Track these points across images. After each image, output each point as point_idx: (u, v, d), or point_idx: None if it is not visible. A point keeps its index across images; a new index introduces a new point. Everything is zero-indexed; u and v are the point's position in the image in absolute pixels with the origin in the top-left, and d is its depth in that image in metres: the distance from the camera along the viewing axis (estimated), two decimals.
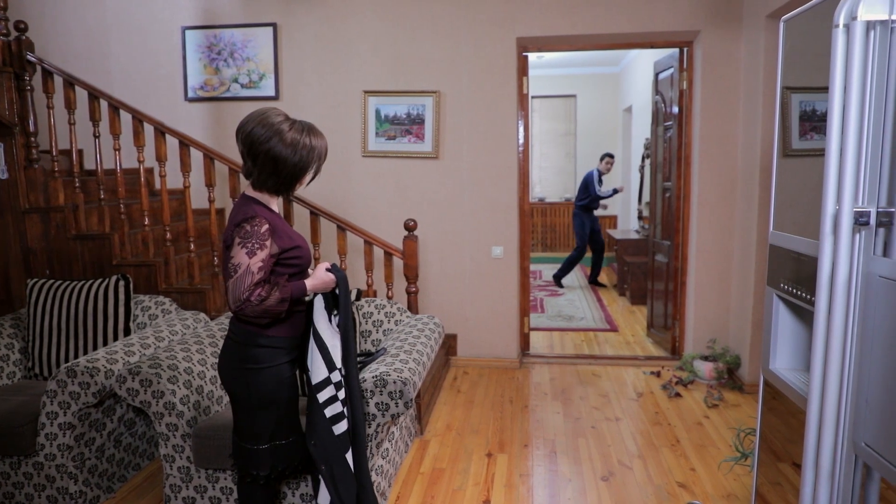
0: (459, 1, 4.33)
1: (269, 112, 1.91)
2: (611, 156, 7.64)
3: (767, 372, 2.01)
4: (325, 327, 1.99)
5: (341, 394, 2.02)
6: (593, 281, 7.67)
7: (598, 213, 7.63)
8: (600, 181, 7.40)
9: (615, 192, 7.57)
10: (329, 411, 2.00)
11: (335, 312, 2.01)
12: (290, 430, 2.04)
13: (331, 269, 1.98)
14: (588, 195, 7.37)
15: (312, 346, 1.99)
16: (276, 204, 2.01)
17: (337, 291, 2.01)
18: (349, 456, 2.04)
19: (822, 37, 1.60)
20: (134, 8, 4.60)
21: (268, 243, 1.84)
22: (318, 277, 1.95)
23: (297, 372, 2.10)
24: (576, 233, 7.54)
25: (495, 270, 4.54)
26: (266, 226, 1.85)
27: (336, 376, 2.01)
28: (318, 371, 1.98)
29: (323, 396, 1.99)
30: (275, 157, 1.86)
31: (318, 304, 1.99)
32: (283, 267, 1.93)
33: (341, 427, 2.02)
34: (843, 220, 1.46)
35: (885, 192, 1.43)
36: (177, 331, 3.13)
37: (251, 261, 1.80)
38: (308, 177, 1.96)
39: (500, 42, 4.34)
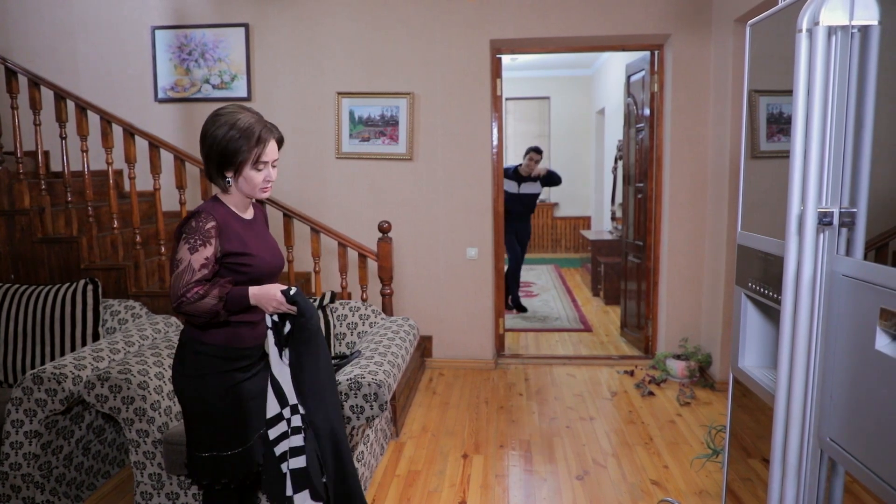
0: (433, 2, 4.34)
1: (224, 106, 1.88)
2: (535, 150, 6.05)
3: (737, 370, 2.04)
4: (276, 361, 1.86)
5: (295, 433, 1.87)
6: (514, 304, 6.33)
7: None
8: (516, 178, 6.05)
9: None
10: (279, 449, 1.88)
11: (286, 349, 1.84)
12: (233, 442, 1.90)
13: (289, 294, 1.77)
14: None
15: (269, 388, 1.86)
16: (245, 207, 1.94)
17: (288, 326, 1.81)
18: (302, 497, 1.86)
19: (786, 41, 1.63)
20: (102, 7, 4.51)
21: (212, 241, 1.77)
22: (265, 290, 1.79)
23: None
24: None
25: (470, 272, 4.55)
26: (212, 223, 1.78)
27: (288, 412, 1.86)
28: (270, 406, 1.87)
29: (274, 434, 1.86)
30: (204, 135, 1.82)
31: (270, 338, 1.85)
32: (231, 272, 1.83)
33: (298, 462, 1.85)
34: (807, 221, 1.49)
35: (848, 193, 1.47)
36: (147, 335, 3.08)
37: (192, 257, 1.74)
38: (243, 158, 1.80)
39: (473, 44, 4.36)
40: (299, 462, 1.85)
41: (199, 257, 1.74)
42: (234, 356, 1.88)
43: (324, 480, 1.87)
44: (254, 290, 1.79)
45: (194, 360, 1.86)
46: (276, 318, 1.82)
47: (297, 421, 1.84)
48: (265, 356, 2.00)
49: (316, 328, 1.83)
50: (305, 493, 1.84)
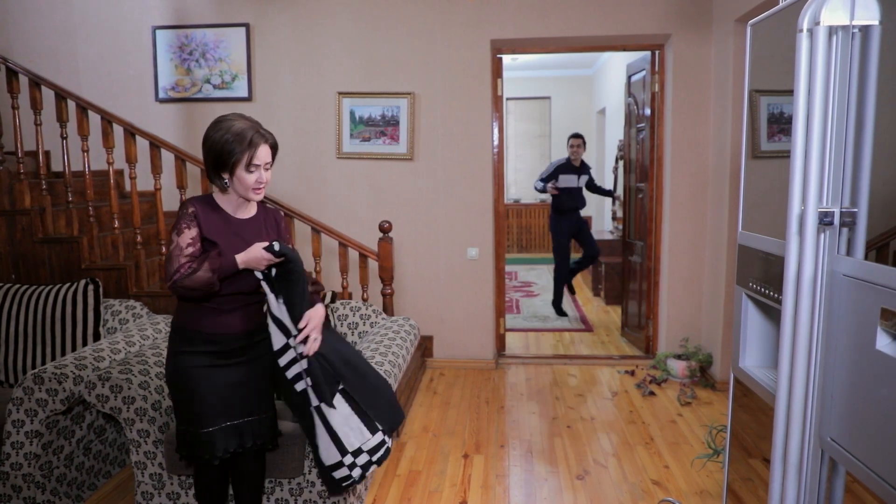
0: (433, 2, 4.34)
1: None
2: (576, 136, 5.86)
3: (737, 370, 2.04)
4: (274, 304, 2.05)
5: (301, 357, 2.09)
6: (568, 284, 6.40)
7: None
8: (573, 170, 5.81)
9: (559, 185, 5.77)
10: (290, 372, 2.11)
11: (280, 294, 2.06)
12: (193, 421, 2.03)
13: (274, 250, 1.95)
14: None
15: (271, 325, 2.09)
16: (237, 207, 2.06)
17: (274, 271, 2.03)
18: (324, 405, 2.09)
19: (787, 41, 1.63)
20: (102, 6, 4.51)
21: (194, 223, 1.96)
22: (250, 252, 1.97)
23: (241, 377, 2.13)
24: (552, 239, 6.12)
25: (471, 272, 4.55)
26: (192, 209, 1.98)
27: (293, 341, 2.07)
28: (276, 340, 2.09)
29: (284, 360, 2.10)
30: (204, 139, 1.98)
31: (265, 286, 2.05)
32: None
33: (310, 380, 2.08)
34: (808, 220, 1.49)
35: (849, 193, 1.47)
36: (148, 335, 3.08)
37: (179, 239, 1.94)
38: (235, 160, 1.93)
39: (474, 44, 4.35)
40: (311, 380, 2.07)
41: (185, 238, 1.95)
42: (198, 339, 2.03)
43: (342, 387, 2.09)
44: (240, 257, 1.97)
45: (171, 338, 2.08)
46: (265, 271, 2.03)
47: (301, 348, 2.05)
48: (240, 355, 2.10)
49: (300, 269, 2.03)
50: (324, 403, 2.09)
